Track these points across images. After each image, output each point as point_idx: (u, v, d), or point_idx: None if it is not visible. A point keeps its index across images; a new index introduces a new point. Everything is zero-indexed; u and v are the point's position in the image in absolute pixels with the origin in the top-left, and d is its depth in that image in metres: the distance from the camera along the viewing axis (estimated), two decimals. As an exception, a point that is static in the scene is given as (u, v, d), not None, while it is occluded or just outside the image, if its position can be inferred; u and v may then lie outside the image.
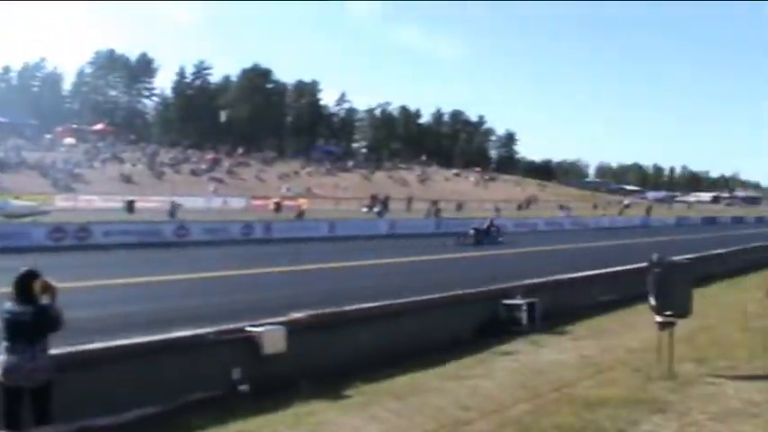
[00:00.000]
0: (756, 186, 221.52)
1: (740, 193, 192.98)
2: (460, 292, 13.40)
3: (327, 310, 10.49)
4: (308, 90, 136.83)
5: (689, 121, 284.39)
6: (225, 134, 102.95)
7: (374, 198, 61.93)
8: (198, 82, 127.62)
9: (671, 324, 9.26)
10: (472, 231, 35.12)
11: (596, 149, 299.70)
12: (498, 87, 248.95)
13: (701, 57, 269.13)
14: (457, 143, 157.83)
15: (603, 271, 18.15)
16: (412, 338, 11.09)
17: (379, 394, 8.57)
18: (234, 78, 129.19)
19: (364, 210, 58.79)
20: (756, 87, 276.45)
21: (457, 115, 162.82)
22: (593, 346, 11.36)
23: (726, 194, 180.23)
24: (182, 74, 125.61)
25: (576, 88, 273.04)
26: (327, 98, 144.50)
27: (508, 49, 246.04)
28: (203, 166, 78.45)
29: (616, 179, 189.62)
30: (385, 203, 59.35)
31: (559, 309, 14.06)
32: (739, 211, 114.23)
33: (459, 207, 74.90)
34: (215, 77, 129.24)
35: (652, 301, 9.33)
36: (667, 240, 39.70)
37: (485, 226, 36.91)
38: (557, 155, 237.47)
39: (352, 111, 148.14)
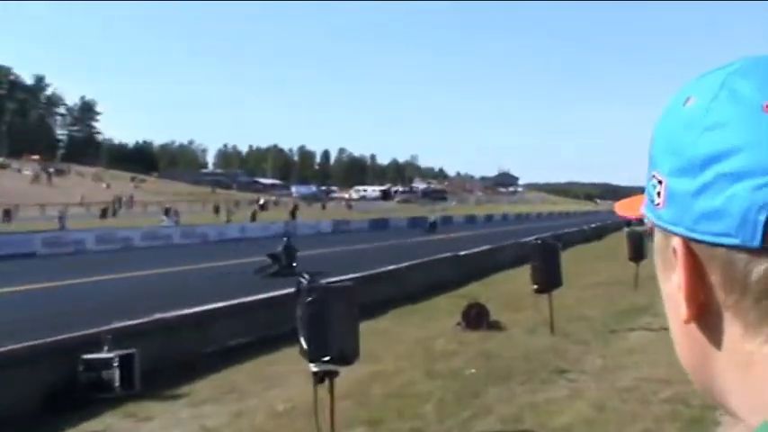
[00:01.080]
0: (440, 175, 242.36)
1: (420, 184, 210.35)
2: (12, 346, 12.87)
3: None
4: None
5: (348, 99, 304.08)
6: None
7: None
8: None
9: (331, 374, 9.63)
10: (428, 225, 79.24)
11: (219, 129, 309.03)
12: (68, 38, 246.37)
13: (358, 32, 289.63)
14: (3, 117, 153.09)
15: (230, 303, 18.44)
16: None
17: None
18: None
19: None
20: (424, 63, 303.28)
21: (1, 74, 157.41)
22: (221, 414, 11.61)
23: (400, 187, 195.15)
24: None
25: (183, 53, 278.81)
26: None
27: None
28: None
29: (247, 169, 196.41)
30: None
31: (170, 360, 14.15)
32: (419, 209, 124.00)
33: (8, 215, 72.97)
34: None
35: (303, 344, 9.64)
36: (322, 254, 41.76)
37: (433, 220, 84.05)
38: (160, 136, 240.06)
39: None
